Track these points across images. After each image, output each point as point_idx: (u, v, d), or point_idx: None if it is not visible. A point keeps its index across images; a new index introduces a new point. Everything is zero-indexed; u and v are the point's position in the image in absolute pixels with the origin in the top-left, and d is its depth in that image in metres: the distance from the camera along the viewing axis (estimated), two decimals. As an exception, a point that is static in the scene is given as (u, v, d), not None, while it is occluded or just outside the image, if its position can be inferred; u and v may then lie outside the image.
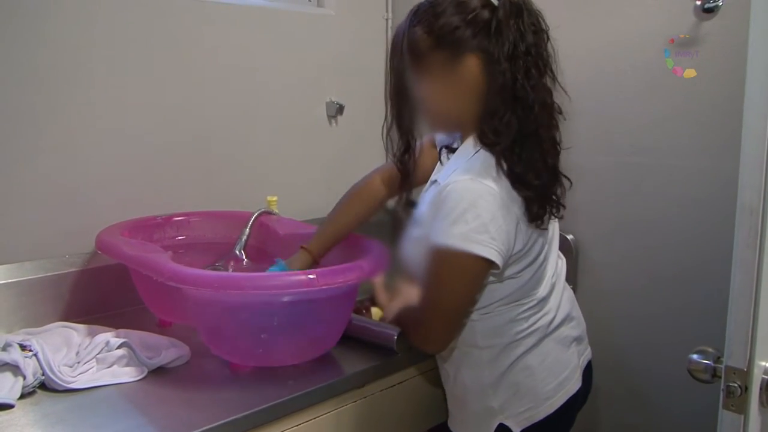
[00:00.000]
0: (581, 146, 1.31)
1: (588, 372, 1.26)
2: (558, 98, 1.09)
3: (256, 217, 1.54)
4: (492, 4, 1.03)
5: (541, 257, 1.12)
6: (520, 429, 1.12)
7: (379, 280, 1.60)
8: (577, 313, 1.25)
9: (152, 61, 1.57)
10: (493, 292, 1.10)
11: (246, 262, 1.49)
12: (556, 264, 1.20)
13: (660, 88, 1.50)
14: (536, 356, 1.13)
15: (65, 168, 1.46)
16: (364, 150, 2.09)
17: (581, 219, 1.55)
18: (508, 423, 1.12)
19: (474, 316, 1.13)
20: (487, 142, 1.04)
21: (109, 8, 1.49)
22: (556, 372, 1.14)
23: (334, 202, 1.97)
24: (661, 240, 1.53)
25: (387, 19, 2.10)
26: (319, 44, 1.93)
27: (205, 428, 1.01)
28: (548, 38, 1.06)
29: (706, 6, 1.41)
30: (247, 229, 1.51)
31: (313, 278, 1.08)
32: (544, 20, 1.07)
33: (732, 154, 1.37)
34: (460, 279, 1.03)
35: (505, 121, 1.02)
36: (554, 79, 1.07)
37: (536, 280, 1.12)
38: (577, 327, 1.22)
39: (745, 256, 0.78)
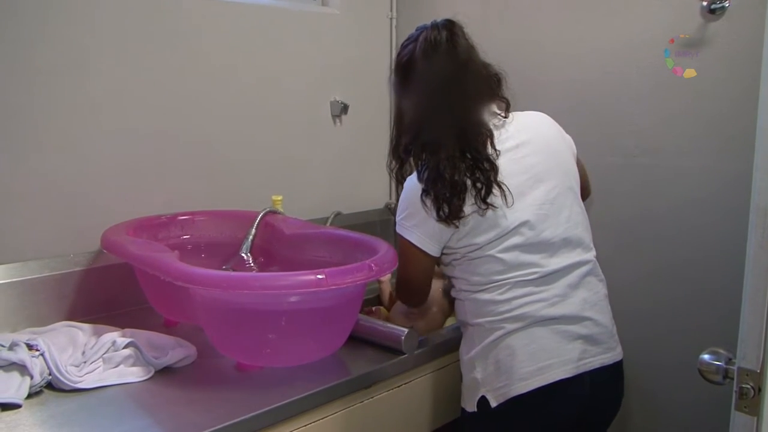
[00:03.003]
0: (587, 147, 1.31)
1: (605, 379, 1.24)
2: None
3: (261, 217, 1.53)
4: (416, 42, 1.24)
5: (502, 248, 1.20)
6: (497, 403, 1.19)
7: (385, 280, 1.61)
8: (598, 315, 1.24)
9: (156, 60, 1.57)
10: (464, 271, 1.25)
11: (253, 264, 1.48)
12: (566, 261, 1.22)
13: (666, 89, 1.50)
14: (521, 339, 1.19)
15: (70, 167, 1.45)
16: (368, 149, 2.09)
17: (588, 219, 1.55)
18: (488, 396, 1.20)
19: (461, 296, 1.27)
20: (407, 152, 1.26)
21: (113, 7, 1.48)
22: (538, 358, 1.18)
23: (338, 201, 1.98)
24: (667, 240, 1.53)
25: (391, 18, 2.10)
26: (324, 43, 1.93)
27: (212, 429, 1.01)
28: (467, 65, 1.22)
29: (712, 7, 1.41)
30: (253, 229, 1.50)
31: (321, 278, 1.08)
32: (467, 50, 1.23)
33: (738, 154, 1.39)
34: (405, 258, 1.28)
35: (409, 141, 1.25)
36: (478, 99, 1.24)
37: (508, 266, 1.20)
38: (590, 327, 1.22)
39: (758, 257, 0.78)
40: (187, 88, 1.64)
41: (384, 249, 1.27)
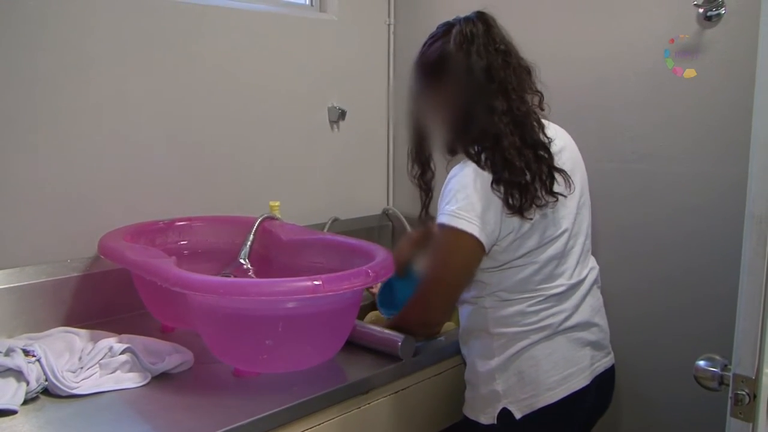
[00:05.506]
0: (583, 152, 1.32)
1: (606, 382, 1.30)
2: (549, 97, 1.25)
3: (259, 223, 1.53)
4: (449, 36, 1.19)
5: (545, 256, 1.18)
6: (522, 415, 1.18)
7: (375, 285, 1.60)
8: (601, 321, 1.29)
9: (155, 66, 1.57)
10: (501, 278, 1.20)
11: (251, 271, 1.48)
12: (584, 272, 1.26)
13: (663, 95, 1.51)
14: (544, 349, 1.19)
15: (67, 172, 1.45)
16: (366, 155, 2.09)
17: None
18: (510, 408, 1.18)
19: (486, 302, 1.22)
20: (453, 150, 1.22)
21: (111, 13, 1.49)
22: (561, 367, 1.19)
23: (335, 207, 1.98)
24: (663, 246, 1.53)
25: (389, 25, 2.10)
26: (322, 49, 1.93)
27: (208, 435, 1.01)
28: (507, 55, 1.18)
29: (708, 14, 1.42)
30: (251, 236, 1.50)
31: (318, 284, 1.08)
32: (504, 40, 1.20)
33: (735, 161, 1.39)
34: (451, 252, 1.18)
35: (458, 133, 1.20)
36: (517, 89, 1.18)
37: (545, 275, 1.19)
38: (596, 333, 1.26)
39: (753, 264, 0.78)
40: (185, 93, 1.64)
41: (382, 255, 1.27)
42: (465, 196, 1.13)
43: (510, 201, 1.12)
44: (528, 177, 1.13)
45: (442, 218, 1.15)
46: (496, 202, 1.13)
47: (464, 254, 1.16)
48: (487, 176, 1.13)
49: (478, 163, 1.15)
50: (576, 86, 1.65)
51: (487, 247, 1.15)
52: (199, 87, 1.66)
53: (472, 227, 1.12)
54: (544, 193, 1.14)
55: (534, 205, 1.13)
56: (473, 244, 1.13)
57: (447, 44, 1.18)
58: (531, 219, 1.14)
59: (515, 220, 1.14)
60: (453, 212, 1.14)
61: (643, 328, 1.56)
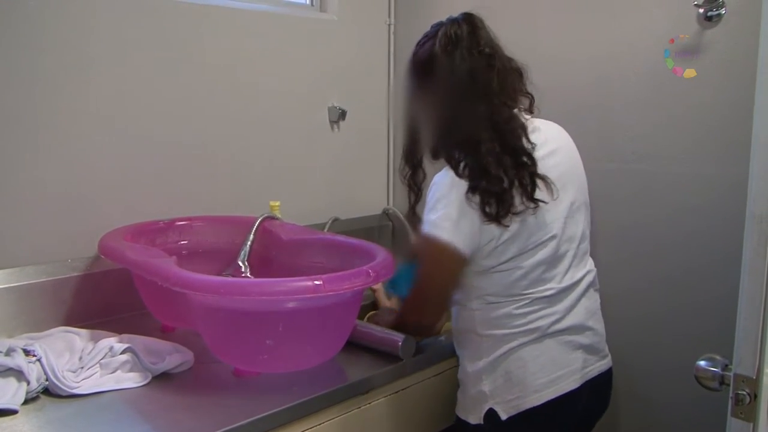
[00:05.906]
0: (583, 152, 1.32)
1: (602, 386, 1.29)
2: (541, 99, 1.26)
3: (259, 223, 1.53)
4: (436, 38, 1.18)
5: (532, 261, 1.18)
6: (507, 416, 1.18)
7: (378, 287, 1.60)
8: (597, 325, 1.28)
9: (155, 65, 1.57)
10: (487, 282, 1.20)
11: (249, 273, 1.48)
12: (578, 275, 1.25)
13: (663, 95, 1.51)
14: (532, 351, 1.19)
15: (68, 172, 1.45)
16: (366, 155, 2.09)
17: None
18: (497, 408, 1.19)
19: (474, 305, 1.22)
20: (436, 153, 1.21)
21: (111, 13, 1.49)
22: (549, 370, 1.18)
23: (336, 207, 1.98)
24: (663, 246, 1.53)
25: (389, 25, 2.10)
26: (322, 49, 1.93)
27: (209, 435, 1.01)
28: (492, 58, 1.17)
29: (709, 14, 1.42)
30: (251, 236, 1.50)
31: (319, 284, 1.08)
32: (490, 42, 1.18)
33: (735, 161, 1.39)
34: (433, 261, 1.19)
35: (441, 137, 1.20)
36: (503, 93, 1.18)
37: (532, 280, 1.19)
38: (590, 337, 1.25)
39: (754, 264, 0.78)
40: (185, 93, 1.64)
41: (382, 255, 1.27)
42: (444, 205, 1.15)
43: (486, 209, 1.12)
44: (505, 184, 1.12)
45: (425, 226, 1.18)
46: (473, 212, 1.13)
47: (446, 263, 1.17)
48: (465, 185, 1.13)
49: (455, 170, 1.15)
50: (576, 86, 1.65)
51: (468, 256, 1.16)
52: (199, 87, 1.66)
53: (451, 237, 1.14)
54: (525, 199, 1.14)
55: (510, 213, 1.13)
56: (453, 253, 1.15)
57: (434, 45, 1.17)
58: (508, 227, 1.14)
59: (494, 228, 1.14)
60: (434, 222, 1.16)
61: (643, 328, 1.56)
